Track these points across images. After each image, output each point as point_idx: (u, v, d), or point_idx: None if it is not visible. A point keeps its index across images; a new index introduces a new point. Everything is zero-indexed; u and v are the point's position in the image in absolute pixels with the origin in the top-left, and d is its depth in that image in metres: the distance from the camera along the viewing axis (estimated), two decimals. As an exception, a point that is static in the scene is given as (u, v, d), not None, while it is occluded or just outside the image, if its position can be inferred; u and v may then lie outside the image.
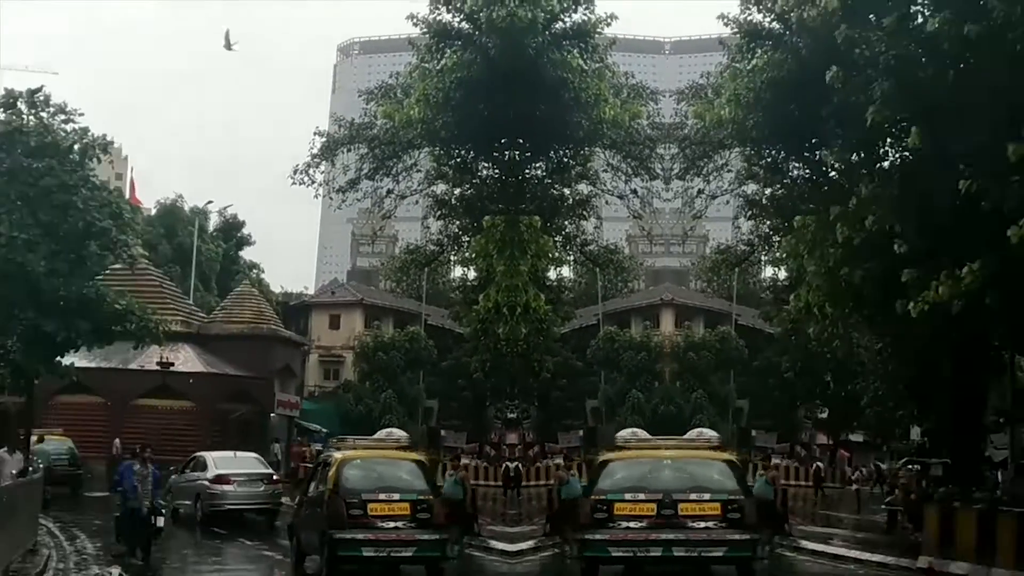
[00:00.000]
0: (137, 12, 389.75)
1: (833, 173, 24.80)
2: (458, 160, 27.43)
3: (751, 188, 37.34)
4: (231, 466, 30.38)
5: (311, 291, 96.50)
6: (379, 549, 18.08)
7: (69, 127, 36.87)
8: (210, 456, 31.37)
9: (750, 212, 38.10)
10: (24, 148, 35.46)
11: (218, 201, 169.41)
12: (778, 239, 34.32)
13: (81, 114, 37.33)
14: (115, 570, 20.38)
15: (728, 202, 40.94)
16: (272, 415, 59.11)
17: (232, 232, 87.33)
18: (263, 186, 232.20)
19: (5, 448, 26.79)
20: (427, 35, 25.42)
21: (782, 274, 44.61)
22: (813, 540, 27.62)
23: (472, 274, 40.62)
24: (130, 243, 37.85)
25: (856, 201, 20.35)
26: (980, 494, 24.56)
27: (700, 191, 39.66)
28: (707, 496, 17.85)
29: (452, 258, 45.02)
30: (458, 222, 39.10)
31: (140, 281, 49.54)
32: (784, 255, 28.67)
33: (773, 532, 23.18)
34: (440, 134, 25.13)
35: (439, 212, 40.09)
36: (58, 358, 36.61)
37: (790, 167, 27.34)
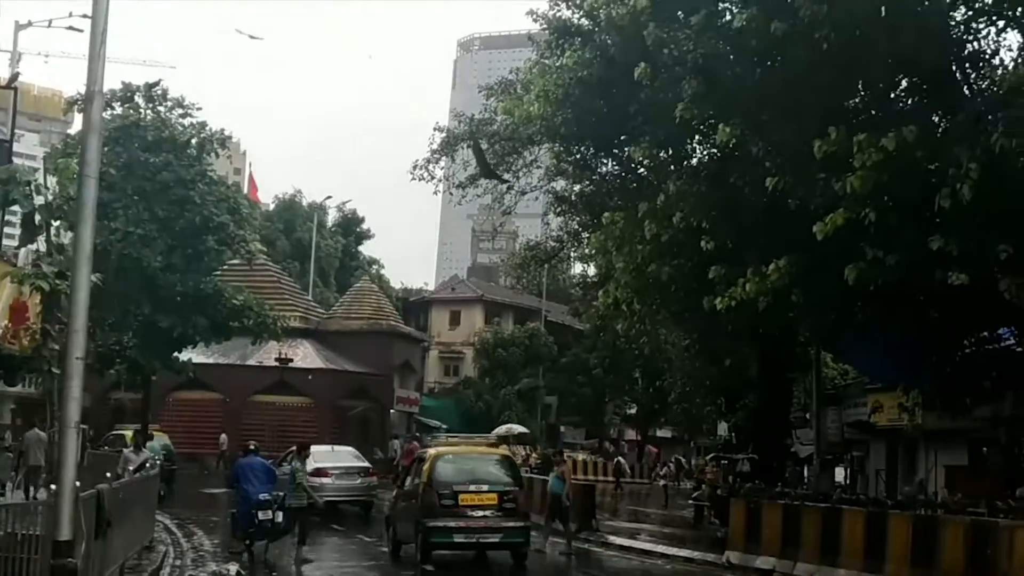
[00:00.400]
0: (261, 10, 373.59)
1: (642, 170, 24.72)
2: (577, 156, 27.05)
3: (560, 184, 37.30)
4: (328, 460, 30.71)
5: (431, 287, 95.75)
6: (469, 536, 20.02)
7: (187, 121, 37.33)
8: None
9: (559, 208, 38.07)
10: (141, 142, 35.67)
11: (338, 197, 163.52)
12: (587, 235, 34.31)
13: (199, 108, 37.91)
14: (232, 567, 19.61)
15: (537, 198, 40.88)
16: (391, 411, 59.03)
17: (351, 228, 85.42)
18: (384, 183, 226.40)
19: (131, 448, 26.12)
20: (547, 31, 24.97)
21: (591, 270, 44.90)
22: (621, 535, 27.64)
23: (592, 270, 40.78)
24: (248, 238, 38.23)
25: (664, 198, 20.24)
26: (786, 489, 24.89)
27: (510, 187, 39.47)
28: (485, 488, 20.21)
29: (572, 254, 45.39)
30: (578, 218, 38.25)
31: (258, 277, 49.38)
32: (593, 251, 28.58)
33: (568, 524, 23.84)
34: (560, 130, 24.72)
35: (559, 208, 39.44)
36: (175, 354, 37.14)
37: (599, 164, 27.19)
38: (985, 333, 21.88)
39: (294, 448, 23.73)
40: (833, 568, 19.16)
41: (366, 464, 32.77)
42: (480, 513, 20.02)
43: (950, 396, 21.56)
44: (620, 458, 58.50)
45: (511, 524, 20.19)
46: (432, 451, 22.07)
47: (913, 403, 22.64)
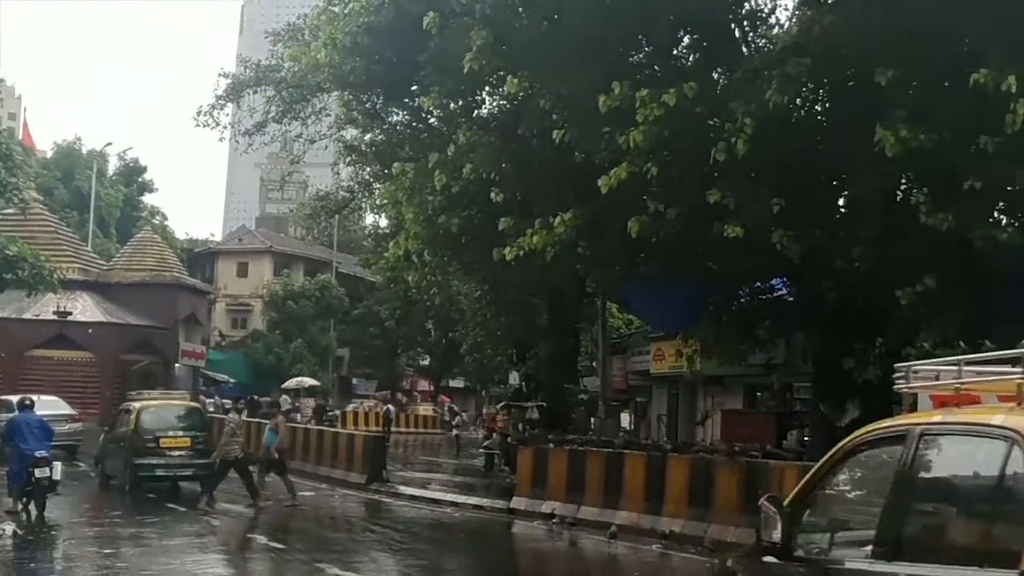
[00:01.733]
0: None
1: (433, 120, 24.68)
2: (367, 105, 25.95)
3: (351, 133, 36.95)
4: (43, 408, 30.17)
5: (218, 238, 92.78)
6: (168, 470, 24.31)
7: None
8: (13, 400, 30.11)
9: (350, 158, 37.74)
10: None
11: (120, 144, 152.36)
12: (378, 186, 34.13)
13: None
14: (8, 527, 18.40)
15: (327, 147, 40.38)
16: (176, 366, 56.70)
17: (133, 177, 79.95)
18: (168, 131, 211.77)
19: None
20: (334, -24, 24.00)
21: (383, 221, 44.77)
22: (412, 486, 27.80)
23: (383, 221, 40.97)
24: (21, 186, 36.28)
25: (454, 149, 20.26)
26: (573, 435, 25.48)
27: (298, 135, 38.85)
28: (180, 433, 24.66)
29: (363, 205, 45.22)
30: (368, 168, 37.62)
31: (33, 226, 47.71)
32: (384, 202, 28.40)
33: (277, 474, 23.96)
34: (348, 79, 23.73)
35: (349, 158, 38.49)
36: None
37: (390, 113, 27.00)
38: (760, 283, 22.77)
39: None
40: (615, 510, 19.79)
41: (72, 412, 34.41)
42: (177, 453, 24.21)
43: (727, 344, 22.40)
44: (389, 406, 59.15)
45: (201, 461, 23.72)
46: (136, 404, 25.93)
47: (692, 351, 23.45)
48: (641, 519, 19.00)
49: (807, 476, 6.72)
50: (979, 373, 6.54)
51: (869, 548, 5.73)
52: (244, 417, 27.84)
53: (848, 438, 6.59)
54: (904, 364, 7.44)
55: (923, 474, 5.76)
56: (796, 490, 6.69)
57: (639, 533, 18.74)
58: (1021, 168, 14.59)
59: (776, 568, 6.50)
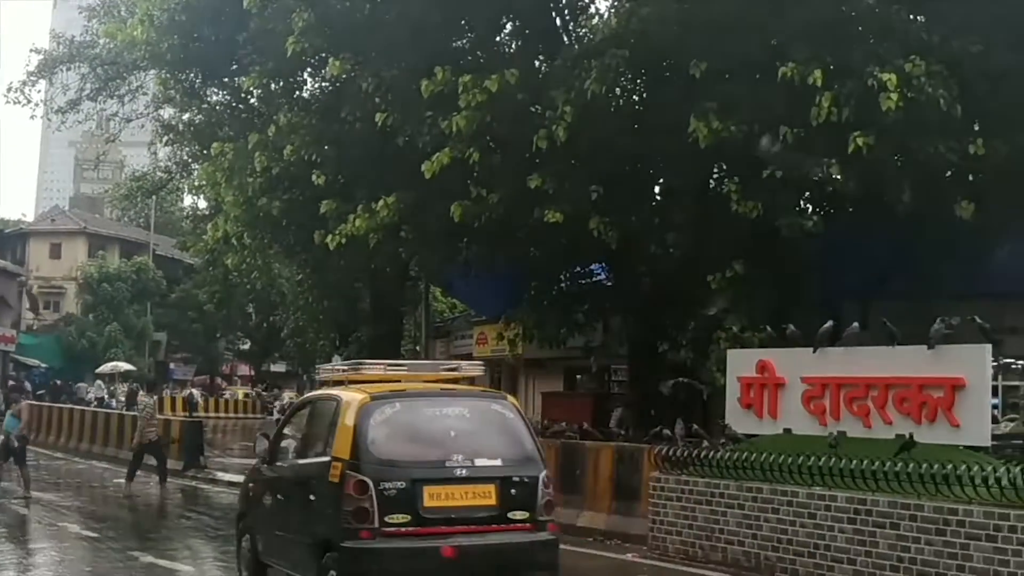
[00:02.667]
0: None
1: (253, 100, 24.28)
2: (185, 84, 24.68)
3: (168, 112, 36.06)
4: None
5: (30, 219, 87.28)
6: None
7: None
8: None
9: (167, 137, 36.81)
10: None
11: None
12: (197, 166, 33.43)
13: None
14: None
15: (144, 126, 39.30)
16: None
17: None
18: None
19: None
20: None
21: (202, 203, 43.81)
22: (230, 472, 27.35)
23: (202, 203, 39.58)
24: None
25: (275, 130, 20.02)
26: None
27: (114, 114, 37.75)
28: None
29: (182, 186, 43.69)
30: (187, 148, 36.06)
31: None
32: (202, 183, 27.84)
33: (25, 466, 21.60)
34: (166, 57, 22.53)
35: (167, 137, 36.77)
36: None
37: (209, 92, 26.47)
38: (579, 268, 23.21)
39: None
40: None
41: None
42: None
43: (548, 327, 22.77)
44: (193, 391, 58.39)
45: None
46: None
47: (514, 334, 23.75)
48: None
49: (281, 420, 12.63)
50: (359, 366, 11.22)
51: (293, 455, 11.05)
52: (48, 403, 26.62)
53: (297, 400, 10.64)
54: (327, 366, 13.12)
55: (309, 419, 11.14)
56: (277, 428, 12.15)
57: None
58: (824, 159, 15.25)
59: (264, 469, 11.64)
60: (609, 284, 23.20)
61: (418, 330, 34.78)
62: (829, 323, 13.46)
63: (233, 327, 70.36)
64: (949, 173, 16.31)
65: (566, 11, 19.93)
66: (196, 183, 33.77)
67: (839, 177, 15.52)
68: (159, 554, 15.01)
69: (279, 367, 75.26)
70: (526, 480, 9.97)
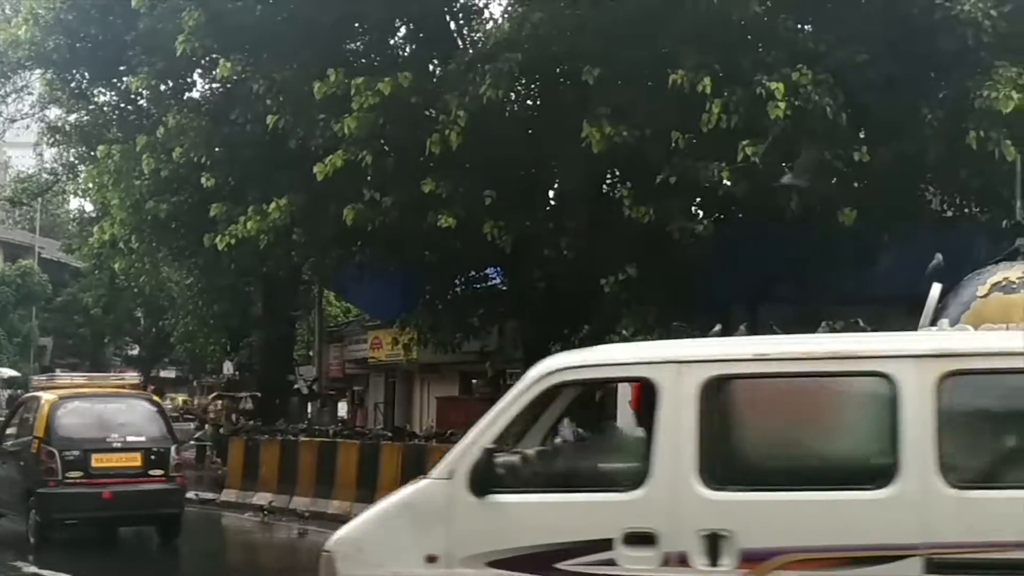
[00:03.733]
0: None
1: (142, 101, 23.77)
2: (72, 85, 23.67)
3: (54, 113, 35.18)
4: None
5: None
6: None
7: None
8: None
9: (53, 139, 35.88)
10: None
11: None
12: (83, 168, 32.67)
13: None
14: None
15: (29, 127, 38.34)
16: None
17: None
18: None
19: None
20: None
21: (88, 205, 42.85)
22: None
23: (89, 206, 38.61)
24: None
25: (164, 131, 19.64)
26: (288, 425, 25.21)
27: (-3, 113, 36.76)
28: None
29: (68, 188, 43.41)
30: (74, 150, 34.22)
31: None
32: (88, 186, 27.20)
33: None
34: (51, 57, 21.58)
35: (52, 139, 35.21)
36: None
37: (96, 93, 25.83)
38: (474, 272, 23.20)
39: None
40: (328, 500, 19.73)
41: None
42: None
43: (442, 332, 22.70)
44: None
45: None
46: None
47: (409, 339, 23.64)
48: (354, 508, 18.96)
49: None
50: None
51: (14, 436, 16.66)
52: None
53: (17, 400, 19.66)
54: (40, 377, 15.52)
55: (23, 412, 17.58)
56: (5, 419, 17.67)
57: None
58: (715, 165, 15.44)
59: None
60: (504, 288, 23.22)
61: (311, 334, 34.40)
62: (717, 326, 13.62)
63: (121, 332, 68.81)
64: (835, 180, 16.64)
65: (460, 15, 19.88)
66: (82, 185, 33.02)
67: (729, 183, 15.74)
68: (43, 565, 15.12)
69: (169, 373, 73.88)
70: (162, 451, 16.68)
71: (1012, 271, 10.86)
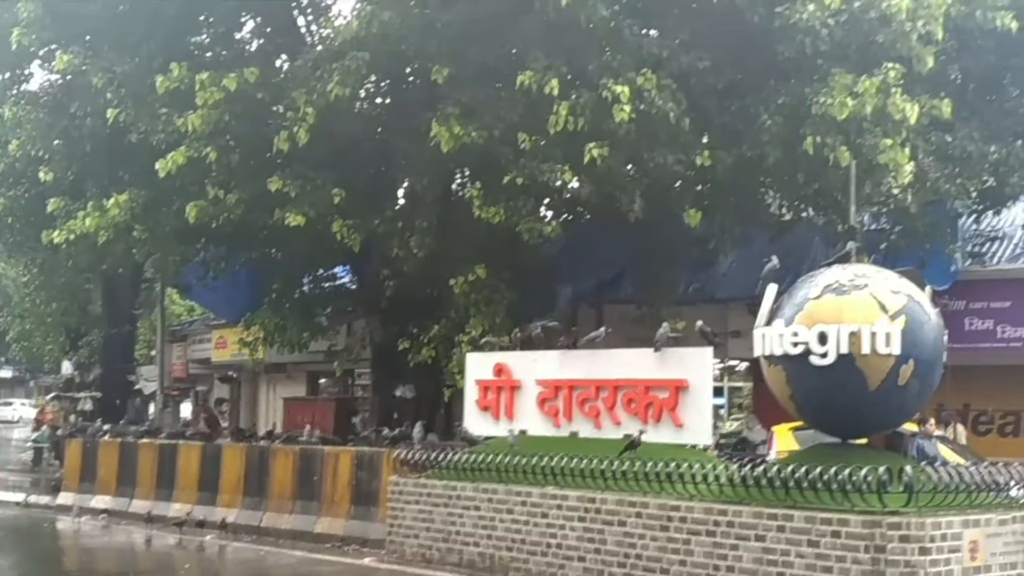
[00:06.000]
0: None
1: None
2: None
3: None
4: None
5: None
6: None
7: None
8: None
9: None
10: None
11: None
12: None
13: None
14: None
15: None
16: None
17: None
18: None
19: None
20: None
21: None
22: None
23: None
24: None
25: (-1, 124, 18.98)
26: (130, 426, 24.54)
27: None
28: None
29: None
30: None
31: None
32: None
33: None
34: None
35: None
36: None
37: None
38: (322, 271, 22.97)
39: None
40: (169, 503, 19.28)
41: None
42: None
43: (289, 331, 22.39)
44: None
45: None
46: None
47: (255, 338, 23.26)
48: (195, 510, 18.59)
49: None
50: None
51: None
52: None
53: None
54: None
55: None
56: None
57: (193, 524, 18.31)
58: (562, 166, 15.57)
59: None
60: (352, 287, 23.06)
61: (153, 333, 33.54)
62: (572, 328, 13.89)
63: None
64: (678, 183, 16.99)
65: (309, 11, 19.67)
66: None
67: (576, 184, 15.91)
68: None
69: (6, 372, 71.37)
70: None
71: (843, 273, 11.22)
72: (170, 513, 18.85)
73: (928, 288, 11.65)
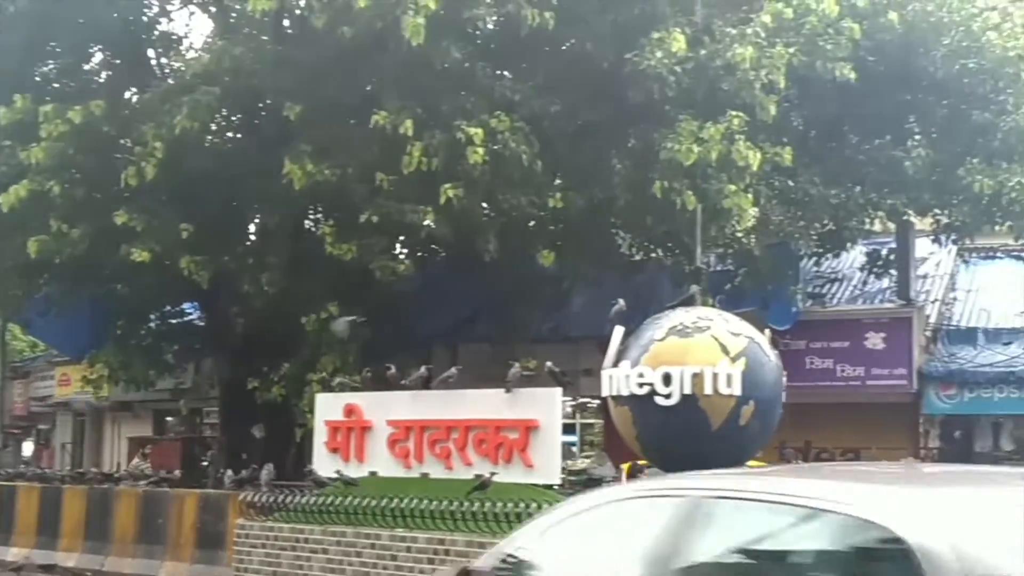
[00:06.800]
0: None
1: None
2: None
3: None
4: None
5: None
6: None
7: None
8: None
9: None
10: None
11: None
12: None
13: None
14: None
15: None
16: None
17: None
18: None
19: None
20: None
21: None
22: None
23: None
24: None
25: None
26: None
27: None
28: None
29: None
30: None
31: None
32: None
33: None
34: None
35: None
36: None
37: None
38: (170, 307, 22.47)
39: None
40: (6, 547, 18.57)
41: None
42: None
43: (135, 368, 21.83)
44: None
45: None
46: None
47: (99, 376, 22.60)
48: (34, 554, 17.93)
49: None
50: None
51: None
52: None
53: None
54: None
55: None
56: None
57: (33, 569, 17.68)
58: (417, 206, 15.59)
59: None
60: (201, 324, 22.61)
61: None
62: (422, 369, 13.88)
63: None
64: (532, 224, 17.16)
65: (159, 44, 19.35)
66: None
67: (432, 224, 15.94)
68: None
69: None
70: None
71: (687, 316, 11.46)
72: (8, 557, 18.15)
73: (768, 330, 11.99)
